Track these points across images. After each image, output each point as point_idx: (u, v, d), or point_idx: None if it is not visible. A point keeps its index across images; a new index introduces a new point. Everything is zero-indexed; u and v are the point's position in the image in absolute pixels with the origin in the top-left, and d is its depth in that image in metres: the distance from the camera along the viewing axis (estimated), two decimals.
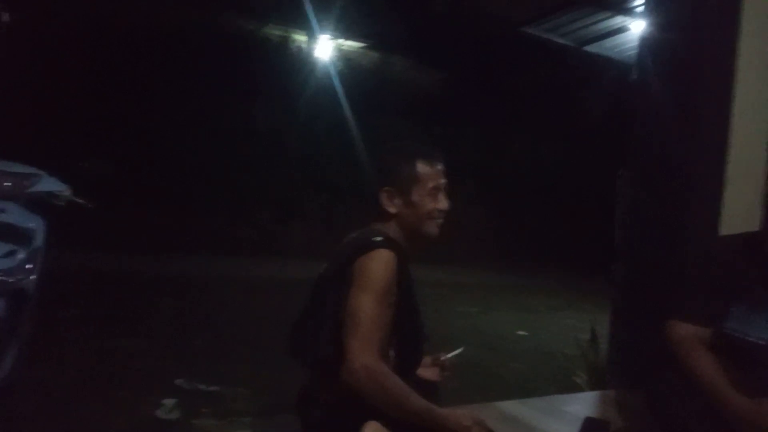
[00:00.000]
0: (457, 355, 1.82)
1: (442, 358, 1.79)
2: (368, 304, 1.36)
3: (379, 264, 1.42)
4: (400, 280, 1.46)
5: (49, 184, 2.70)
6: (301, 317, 1.59)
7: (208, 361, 3.96)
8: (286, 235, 9.79)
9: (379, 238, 1.48)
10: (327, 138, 10.97)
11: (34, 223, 2.56)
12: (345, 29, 12.38)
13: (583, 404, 1.78)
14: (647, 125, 2.57)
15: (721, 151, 2.16)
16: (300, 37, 12.98)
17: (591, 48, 6.38)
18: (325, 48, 12.67)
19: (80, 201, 2.81)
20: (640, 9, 5.29)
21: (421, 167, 1.58)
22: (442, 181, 1.61)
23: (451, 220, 1.68)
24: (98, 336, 4.19)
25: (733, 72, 2.17)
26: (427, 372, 1.74)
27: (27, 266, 2.43)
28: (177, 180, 9.18)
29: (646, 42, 2.70)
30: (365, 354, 1.30)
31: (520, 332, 6.04)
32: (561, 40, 6.23)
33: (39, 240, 2.54)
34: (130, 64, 9.15)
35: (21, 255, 2.41)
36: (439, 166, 1.62)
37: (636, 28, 5.82)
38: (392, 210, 1.58)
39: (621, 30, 5.86)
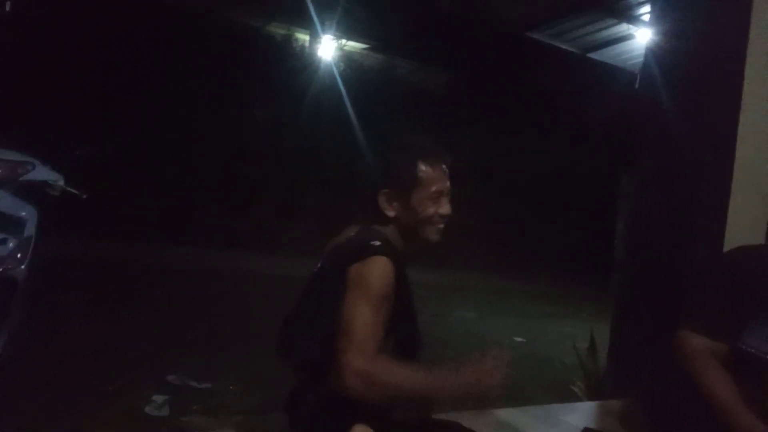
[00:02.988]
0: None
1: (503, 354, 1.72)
2: (364, 313, 1.32)
3: (376, 271, 1.37)
4: (397, 286, 1.41)
5: (42, 173, 2.66)
6: (291, 316, 1.53)
7: (201, 355, 3.92)
8: (285, 231, 9.76)
9: (376, 243, 1.42)
10: (329, 136, 10.96)
11: (25, 212, 2.51)
12: (348, 30, 12.38)
13: (580, 414, 1.74)
14: (651, 132, 2.54)
15: (728, 161, 2.12)
16: (303, 37, 12.98)
17: (595, 55, 6.37)
18: (328, 48, 12.66)
19: (74, 191, 2.76)
20: (646, 17, 5.27)
21: (423, 169, 1.49)
22: (446, 184, 1.52)
23: (451, 223, 1.59)
24: (90, 326, 4.15)
25: (740, 81, 2.14)
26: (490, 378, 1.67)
27: (17, 255, 2.40)
28: (177, 172, 9.16)
29: (652, 50, 2.67)
30: (358, 359, 1.26)
31: (518, 338, 6.00)
32: (565, 46, 6.21)
33: (30, 229, 2.49)
34: (134, 56, 9.13)
35: (11, 244, 2.38)
36: (444, 168, 1.52)
37: (641, 36, 5.80)
38: (391, 213, 1.50)
39: (626, 38, 5.85)
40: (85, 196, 2.74)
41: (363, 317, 1.31)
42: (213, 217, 9.03)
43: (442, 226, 1.53)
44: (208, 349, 4.10)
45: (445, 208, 1.52)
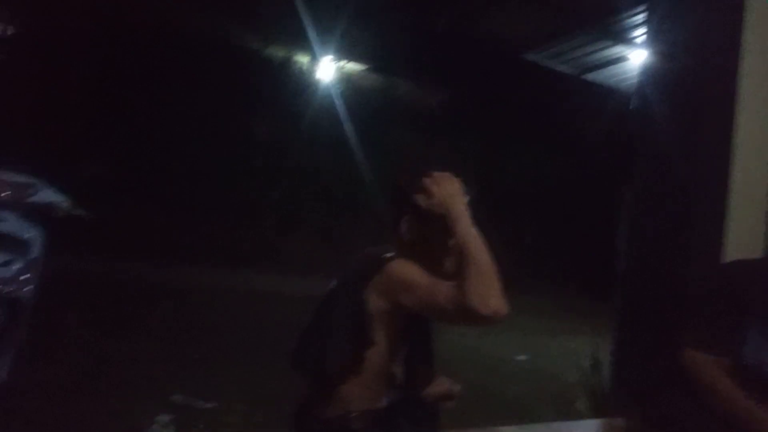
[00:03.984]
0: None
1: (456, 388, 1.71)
2: (430, 284, 1.35)
3: (402, 266, 1.40)
4: None
5: (47, 195, 2.69)
6: (306, 330, 1.54)
7: (205, 374, 3.91)
8: (286, 249, 9.77)
9: (390, 254, 1.44)
10: (329, 155, 11.03)
11: (31, 234, 2.54)
12: (347, 51, 12.52)
13: (584, 431, 1.74)
14: (648, 151, 2.58)
15: (723, 177, 2.16)
16: (302, 58, 13.12)
17: (590, 76, 6.45)
18: (328, 69, 12.80)
19: (79, 212, 2.80)
20: (640, 39, 5.35)
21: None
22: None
23: None
24: (94, 345, 4.14)
25: (734, 101, 2.18)
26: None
27: (23, 277, 2.42)
28: (178, 190, 9.19)
29: (646, 70, 2.72)
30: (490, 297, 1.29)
31: (521, 356, 5.98)
32: (561, 67, 6.29)
33: (36, 250, 2.52)
34: (136, 75, 9.22)
35: (18, 265, 2.40)
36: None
37: (635, 57, 5.89)
38: (407, 238, 1.52)
39: (621, 59, 5.92)
40: (90, 217, 2.78)
41: (434, 284, 1.34)
42: (214, 236, 9.05)
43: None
44: (212, 368, 4.09)
45: None
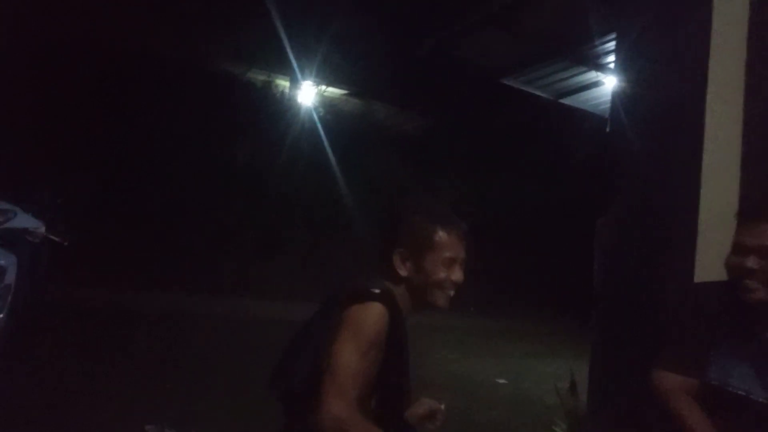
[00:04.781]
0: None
1: (441, 407, 1.71)
2: (351, 355, 1.34)
3: (370, 316, 1.39)
4: (391, 337, 1.43)
5: (24, 221, 2.67)
6: (284, 353, 1.55)
7: (181, 402, 3.83)
8: (266, 274, 9.70)
9: (377, 290, 1.44)
10: (309, 180, 11.04)
11: (5, 260, 2.51)
12: (328, 76, 12.63)
13: None
14: (623, 175, 2.64)
15: (695, 200, 2.22)
16: (283, 83, 13.19)
17: (567, 101, 6.59)
18: (308, 94, 12.88)
19: (55, 238, 2.77)
20: (613, 65, 5.51)
21: (440, 233, 1.52)
22: (461, 253, 1.55)
23: None
24: (66, 374, 4.05)
25: (702, 126, 2.25)
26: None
27: None
28: (158, 216, 9.11)
29: (617, 96, 2.80)
30: (337, 402, 1.28)
31: (500, 380, 5.98)
32: (538, 92, 6.43)
33: (9, 277, 2.49)
34: (116, 105, 9.19)
35: None
36: (460, 237, 1.56)
37: (609, 82, 6.04)
38: (403, 273, 1.52)
39: (595, 84, 6.08)
40: (66, 243, 2.75)
41: (349, 360, 1.33)
42: (193, 262, 8.96)
43: (452, 293, 1.56)
44: (189, 395, 4.02)
45: (457, 275, 1.54)
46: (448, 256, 1.52)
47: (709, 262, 2.20)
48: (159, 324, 6.07)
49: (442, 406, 1.70)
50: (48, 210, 2.84)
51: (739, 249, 1.54)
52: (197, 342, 5.72)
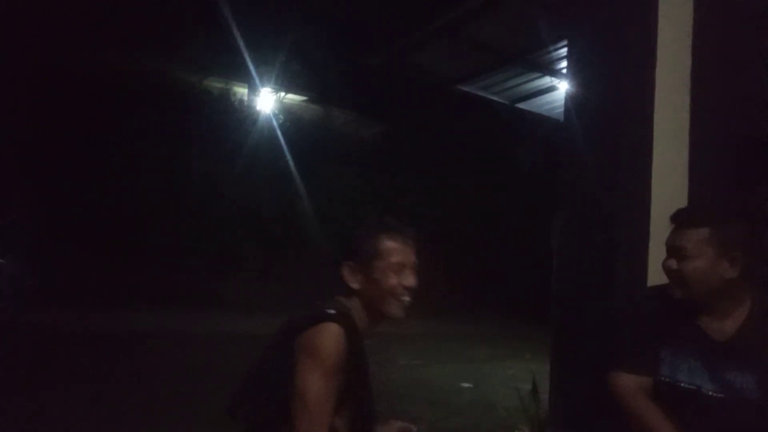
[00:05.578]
0: None
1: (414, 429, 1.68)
2: (318, 382, 1.33)
3: (327, 340, 1.37)
4: (350, 358, 1.41)
5: None
6: (246, 379, 1.51)
7: (142, 422, 3.72)
8: (223, 288, 9.52)
9: (331, 311, 1.42)
10: (267, 190, 10.92)
11: None
12: (286, 83, 12.55)
13: None
14: (576, 179, 2.67)
15: (646, 203, 2.25)
16: (241, 90, 13.04)
17: (523, 105, 6.67)
18: (267, 101, 12.76)
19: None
20: (566, 70, 5.60)
21: (385, 242, 1.52)
22: (410, 257, 1.55)
23: None
24: (21, 397, 3.92)
25: (651, 129, 2.29)
26: None
27: None
28: (109, 231, 8.85)
29: (569, 101, 2.84)
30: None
31: (464, 384, 6.00)
32: (494, 98, 6.48)
33: None
34: (65, 112, 8.92)
35: None
36: (407, 242, 1.55)
37: (563, 88, 6.14)
38: (355, 285, 1.52)
39: (550, 89, 6.16)
40: (7, 264, 2.63)
41: (317, 387, 1.32)
42: (152, 278, 8.74)
43: (406, 299, 1.54)
44: (149, 413, 3.91)
45: (408, 280, 1.53)
46: (396, 262, 1.51)
47: (660, 264, 2.24)
48: (114, 341, 5.93)
49: (414, 429, 1.68)
50: None
51: (666, 251, 1.63)
52: (156, 358, 5.59)
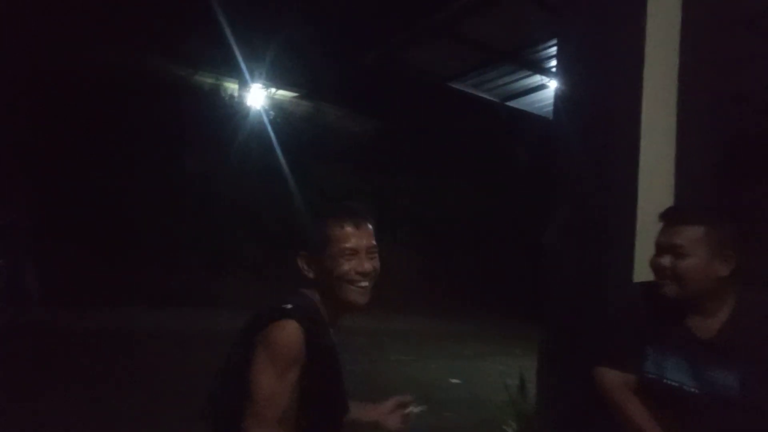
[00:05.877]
0: (418, 413, 1.72)
1: (409, 409, 1.67)
2: (268, 379, 1.32)
3: (282, 336, 1.35)
4: (312, 351, 1.38)
5: None
6: (214, 379, 1.50)
7: (141, 422, 3.73)
8: (218, 286, 9.49)
9: (288, 306, 1.39)
10: (260, 186, 10.88)
11: None
12: (277, 78, 12.50)
13: None
14: (565, 177, 2.69)
15: (633, 201, 2.28)
16: (232, 85, 12.97)
17: (513, 103, 6.70)
18: (258, 96, 12.71)
19: None
20: (556, 69, 5.62)
21: (333, 228, 1.46)
22: (363, 242, 1.47)
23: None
24: (21, 397, 3.91)
25: (638, 127, 2.32)
26: (388, 419, 1.64)
27: None
28: (106, 230, 8.80)
29: (559, 100, 2.86)
30: (255, 428, 1.29)
31: (454, 380, 6.03)
32: (485, 95, 6.51)
33: None
34: (57, 110, 8.84)
35: None
36: (359, 226, 1.47)
37: (553, 86, 6.17)
38: (310, 276, 1.49)
39: (540, 87, 6.20)
40: (2, 261, 2.62)
41: (266, 384, 1.32)
42: (146, 276, 8.69)
43: (364, 284, 1.48)
44: (146, 413, 3.90)
45: (363, 266, 1.46)
46: (346, 247, 1.45)
47: (647, 261, 2.27)
48: (111, 341, 5.92)
49: (411, 399, 1.68)
50: None
51: (657, 249, 1.62)
52: (152, 357, 5.58)
